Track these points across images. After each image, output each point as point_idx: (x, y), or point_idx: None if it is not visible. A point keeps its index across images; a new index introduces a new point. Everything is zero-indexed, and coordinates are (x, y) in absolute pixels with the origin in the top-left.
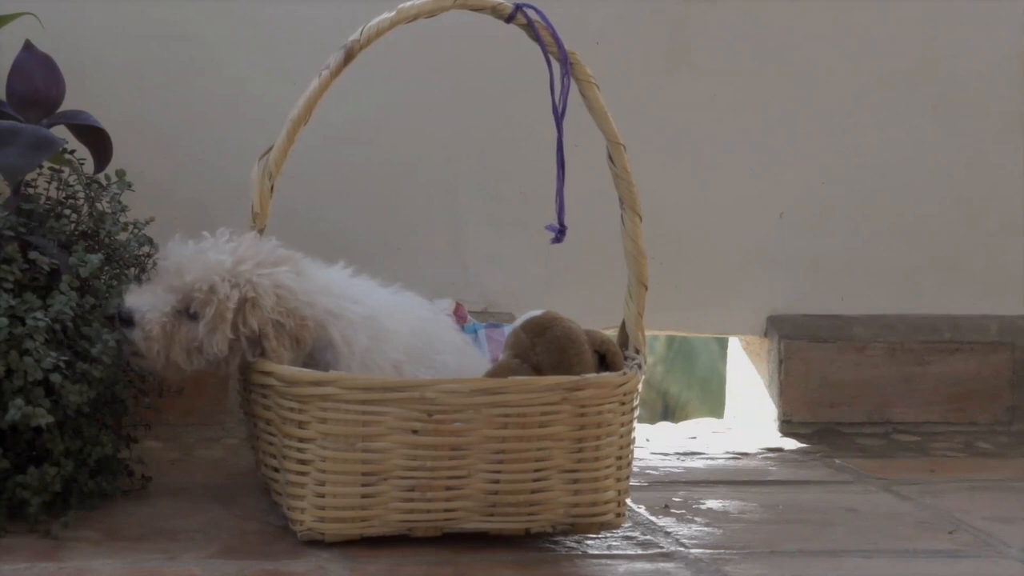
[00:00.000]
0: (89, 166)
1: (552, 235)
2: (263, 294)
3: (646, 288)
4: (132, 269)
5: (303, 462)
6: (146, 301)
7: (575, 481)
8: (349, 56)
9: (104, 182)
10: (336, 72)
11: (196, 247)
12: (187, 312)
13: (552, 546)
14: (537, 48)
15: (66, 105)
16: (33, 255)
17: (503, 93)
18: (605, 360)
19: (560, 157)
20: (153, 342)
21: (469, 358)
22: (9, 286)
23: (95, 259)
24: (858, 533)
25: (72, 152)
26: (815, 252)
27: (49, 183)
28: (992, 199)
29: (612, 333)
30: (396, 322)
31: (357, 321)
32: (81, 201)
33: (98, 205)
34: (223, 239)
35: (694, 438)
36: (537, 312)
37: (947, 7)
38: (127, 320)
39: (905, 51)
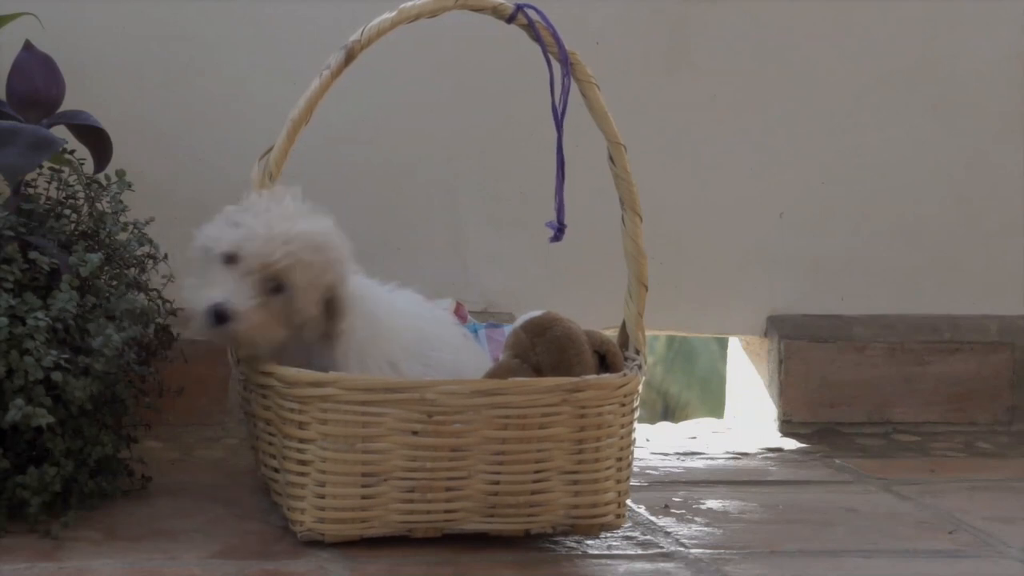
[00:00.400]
0: (89, 166)
1: (551, 233)
2: (340, 249)
3: (646, 288)
4: (132, 269)
5: (303, 463)
6: (230, 291)
7: (575, 482)
8: (350, 56)
9: (104, 182)
10: (337, 72)
11: (245, 222)
12: (273, 288)
13: (552, 546)
14: (537, 48)
15: (66, 105)
16: (33, 255)
17: (503, 93)
18: (605, 361)
19: (560, 157)
20: (254, 331)
21: (468, 355)
22: (9, 286)
23: (95, 259)
24: (858, 533)
25: (72, 152)
26: (815, 252)
27: (49, 183)
28: (992, 199)
29: (612, 333)
30: (393, 319)
31: (357, 315)
32: (81, 201)
33: (98, 205)
34: (258, 204)
35: (694, 438)
36: (537, 312)
37: (947, 7)
38: (223, 317)
39: (905, 51)
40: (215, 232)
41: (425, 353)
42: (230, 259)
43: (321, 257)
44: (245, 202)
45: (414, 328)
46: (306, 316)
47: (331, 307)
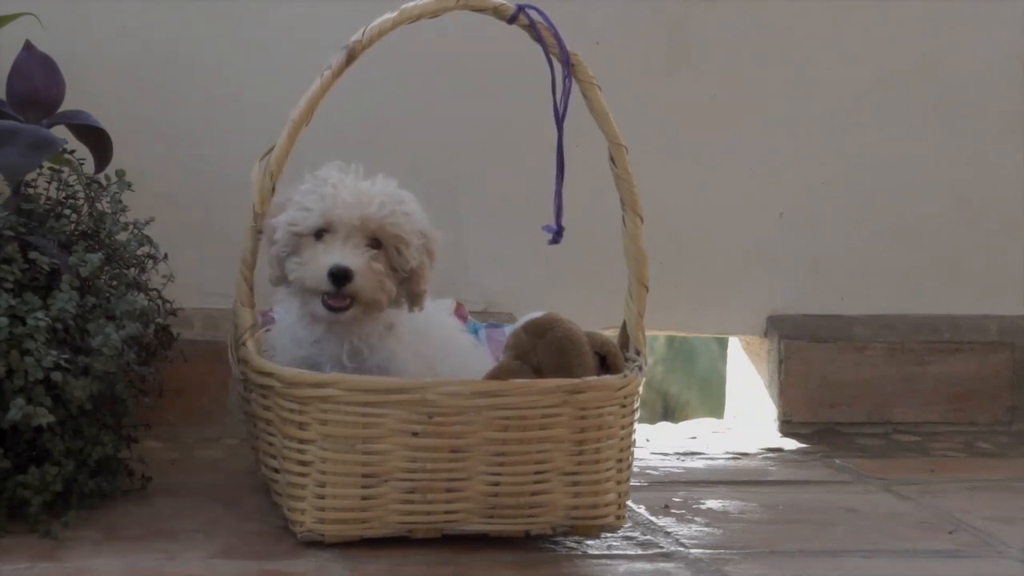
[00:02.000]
0: (89, 166)
1: (549, 236)
2: (425, 220)
3: (647, 289)
4: (132, 269)
5: (303, 463)
6: (340, 255)
7: (575, 483)
8: (351, 56)
9: (104, 182)
10: (338, 72)
11: (325, 195)
12: (373, 245)
13: (552, 546)
14: (538, 49)
15: (66, 105)
16: (33, 255)
17: (504, 93)
18: (606, 362)
19: (560, 159)
20: (373, 285)
21: (468, 354)
22: (9, 286)
23: (95, 259)
24: (858, 533)
25: (72, 152)
26: (815, 252)
27: (49, 183)
28: (992, 199)
29: (612, 334)
30: (438, 317)
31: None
32: (81, 201)
33: (98, 205)
34: (329, 178)
35: (694, 438)
36: (538, 313)
37: (947, 7)
38: (345, 277)
39: (905, 51)
40: (297, 214)
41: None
42: (321, 233)
43: (407, 208)
44: (309, 182)
45: (441, 326)
46: (409, 266)
47: (418, 267)
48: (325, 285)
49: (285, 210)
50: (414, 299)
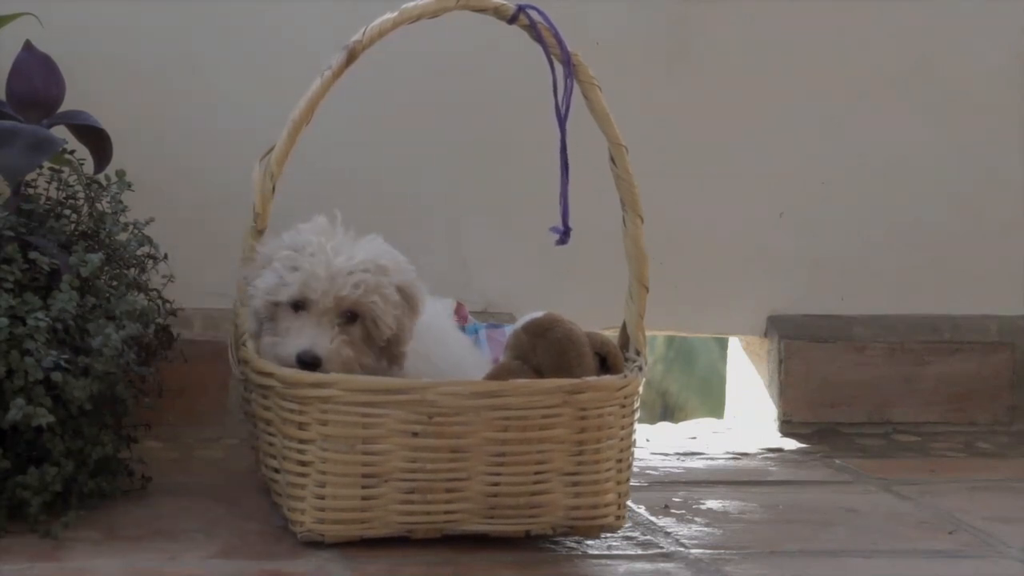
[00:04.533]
0: (89, 166)
1: (556, 236)
2: (407, 274)
3: (647, 290)
4: (132, 269)
5: (303, 463)
6: (311, 336)
7: (575, 484)
8: (351, 56)
9: (104, 182)
10: (338, 72)
11: (303, 265)
12: (348, 319)
13: (552, 546)
14: (538, 49)
15: (66, 105)
16: (33, 255)
17: (503, 93)
18: (606, 363)
19: (564, 159)
20: (344, 367)
21: (464, 348)
22: (9, 286)
23: (95, 259)
24: (858, 533)
25: (72, 152)
26: (815, 252)
27: (49, 183)
28: (992, 199)
29: (612, 334)
30: (442, 325)
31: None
32: (81, 201)
33: (98, 205)
34: (310, 243)
35: (694, 438)
36: (538, 314)
37: (947, 7)
38: (313, 363)
39: (905, 51)
40: (274, 282)
41: (444, 344)
42: (299, 305)
43: (386, 278)
44: (292, 242)
45: (435, 321)
46: (385, 336)
47: (398, 330)
48: (296, 366)
49: (265, 267)
50: (392, 359)
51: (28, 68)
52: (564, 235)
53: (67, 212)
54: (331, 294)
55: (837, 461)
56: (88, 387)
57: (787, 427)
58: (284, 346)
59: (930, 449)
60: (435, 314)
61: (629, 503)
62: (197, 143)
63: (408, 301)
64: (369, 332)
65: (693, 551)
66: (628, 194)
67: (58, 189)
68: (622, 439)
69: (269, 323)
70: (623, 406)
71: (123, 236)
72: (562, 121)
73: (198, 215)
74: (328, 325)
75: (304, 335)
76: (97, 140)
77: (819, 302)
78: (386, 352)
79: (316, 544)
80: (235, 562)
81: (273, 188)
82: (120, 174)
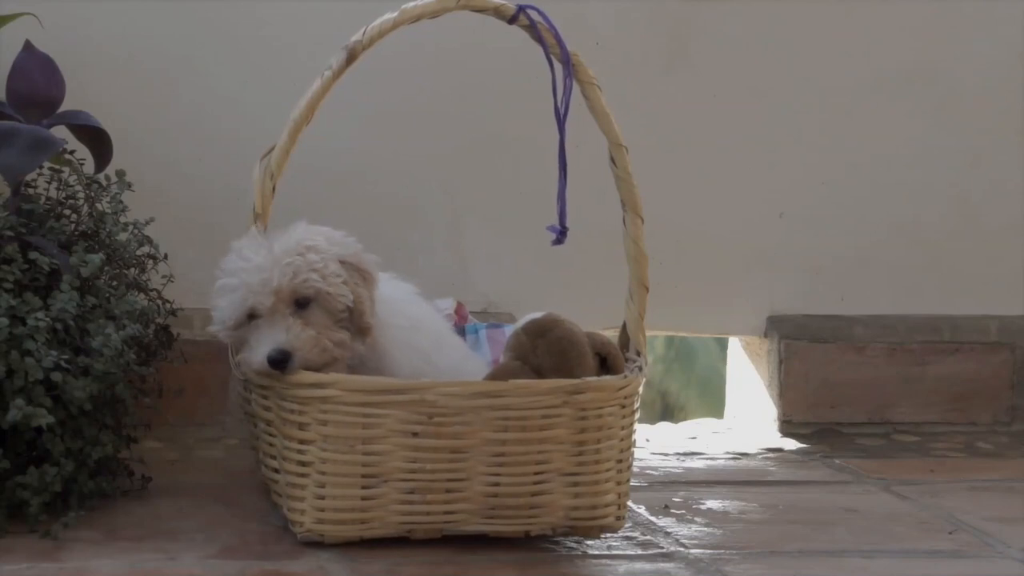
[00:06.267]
0: (89, 166)
1: (553, 237)
2: (347, 247)
3: (647, 290)
4: (132, 269)
5: (303, 463)
6: (274, 337)
7: (575, 484)
8: (351, 57)
9: (104, 182)
10: (338, 73)
11: (233, 283)
12: (302, 304)
13: (552, 546)
14: (538, 49)
15: (66, 105)
16: (33, 255)
17: (504, 93)
18: (606, 363)
19: (562, 159)
20: (315, 352)
21: (462, 348)
22: (9, 286)
23: (96, 259)
24: (858, 533)
25: (72, 152)
26: (815, 252)
27: (49, 183)
28: (992, 199)
29: (612, 334)
30: (422, 311)
31: (395, 311)
32: (81, 201)
33: (98, 205)
34: (235, 262)
35: (694, 438)
36: (538, 314)
37: (947, 7)
38: (283, 361)
39: (905, 51)
40: (218, 313)
41: (442, 347)
42: (253, 314)
43: (317, 254)
44: (224, 268)
45: (433, 321)
46: (343, 306)
47: (355, 301)
48: (272, 372)
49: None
50: (361, 333)
51: (28, 68)
52: (561, 235)
53: (67, 212)
54: (268, 292)
55: (837, 461)
56: (88, 387)
57: (787, 427)
58: (249, 358)
59: (930, 449)
60: (433, 316)
61: (629, 503)
62: (197, 143)
63: (357, 271)
64: (326, 310)
65: (693, 551)
66: (628, 194)
67: (58, 189)
68: (622, 439)
69: (242, 348)
70: (623, 406)
71: (123, 236)
72: (561, 121)
73: (198, 215)
74: (281, 320)
75: (263, 339)
76: (97, 140)
77: (819, 302)
78: (353, 325)
79: (316, 544)
80: (235, 562)
81: (273, 188)
82: (120, 174)
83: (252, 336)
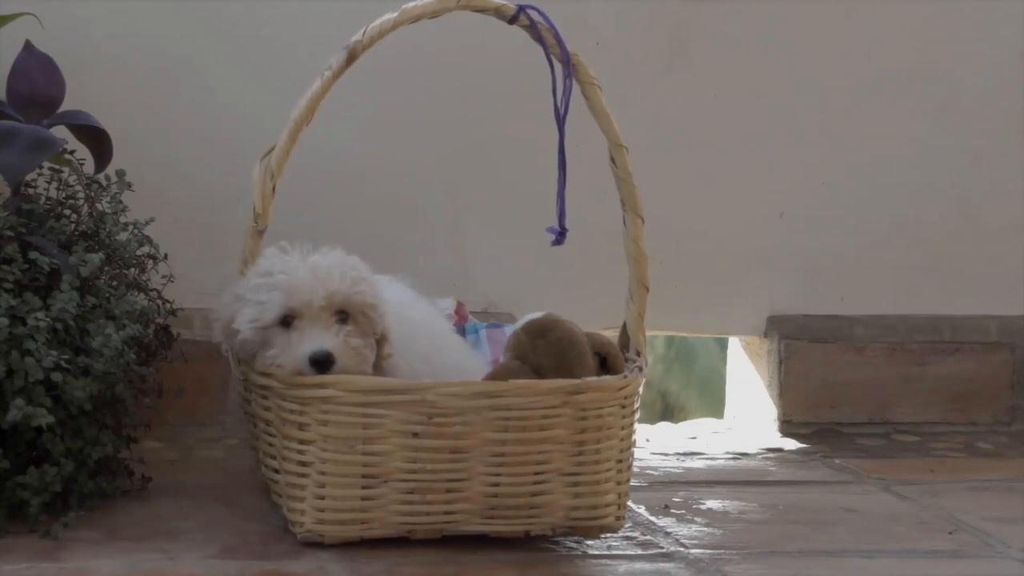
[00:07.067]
0: (89, 166)
1: (553, 237)
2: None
3: (647, 290)
4: (132, 269)
5: (303, 464)
6: (318, 339)
7: (575, 484)
8: (352, 57)
9: (104, 182)
10: (338, 73)
11: (278, 284)
12: (340, 320)
13: (552, 546)
14: (538, 49)
15: (66, 105)
16: (33, 255)
17: (504, 93)
18: (606, 363)
19: (562, 159)
20: (352, 363)
21: (462, 348)
22: (9, 286)
23: (96, 259)
24: (858, 533)
25: (72, 152)
26: (815, 252)
27: (49, 183)
28: (992, 199)
29: (613, 334)
30: (420, 314)
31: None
32: (81, 201)
33: (98, 205)
34: (273, 265)
35: (694, 438)
36: (538, 314)
37: (947, 7)
38: (327, 363)
39: (905, 51)
40: (254, 310)
41: (441, 348)
42: (286, 320)
43: (364, 273)
44: (259, 270)
45: (433, 321)
46: (378, 328)
47: (385, 328)
48: (308, 372)
49: (236, 307)
50: (381, 360)
51: (28, 68)
52: (560, 236)
53: (67, 212)
54: (320, 293)
55: (837, 461)
56: (88, 387)
57: (787, 427)
58: (289, 354)
59: (930, 449)
60: (433, 317)
61: (629, 503)
62: (197, 143)
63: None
64: (363, 328)
65: (693, 551)
66: (628, 194)
67: (58, 189)
68: (622, 439)
69: (262, 352)
70: (623, 406)
71: (123, 236)
72: (561, 121)
73: (198, 215)
74: (327, 324)
75: (309, 338)
76: (97, 140)
77: (819, 302)
78: (373, 352)
79: (316, 544)
80: (235, 562)
81: (273, 188)
82: (120, 174)
83: (286, 339)
